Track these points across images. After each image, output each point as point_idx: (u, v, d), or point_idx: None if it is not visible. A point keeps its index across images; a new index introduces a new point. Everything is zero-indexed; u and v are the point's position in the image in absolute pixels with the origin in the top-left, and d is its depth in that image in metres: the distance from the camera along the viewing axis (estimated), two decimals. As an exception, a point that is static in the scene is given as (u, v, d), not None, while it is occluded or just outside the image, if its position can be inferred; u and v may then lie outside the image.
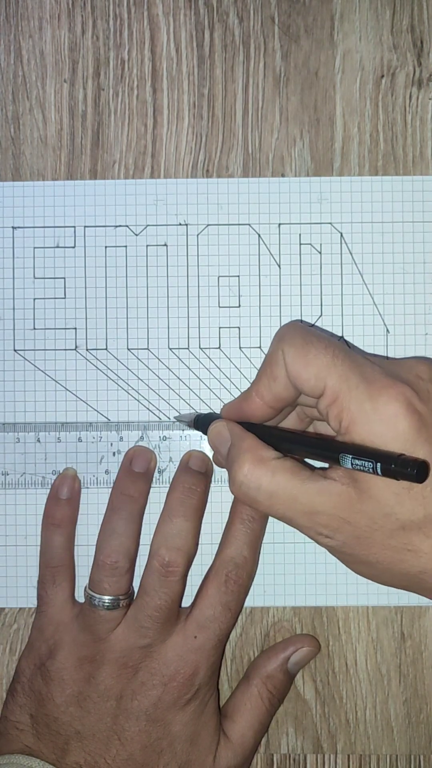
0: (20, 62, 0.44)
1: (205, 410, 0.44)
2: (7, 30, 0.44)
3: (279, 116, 0.44)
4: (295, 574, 0.43)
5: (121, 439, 0.43)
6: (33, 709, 0.40)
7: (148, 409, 0.43)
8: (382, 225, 0.43)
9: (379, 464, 0.32)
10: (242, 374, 0.44)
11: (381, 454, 0.33)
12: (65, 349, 0.44)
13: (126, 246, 0.44)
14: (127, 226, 0.44)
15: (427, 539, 0.34)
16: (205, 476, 0.42)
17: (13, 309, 0.44)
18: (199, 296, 0.44)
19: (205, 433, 0.41)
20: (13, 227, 0.44)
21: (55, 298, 0.44)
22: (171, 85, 0.44)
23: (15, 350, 0.44)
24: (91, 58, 0.44)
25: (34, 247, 0.44)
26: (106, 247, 0.44)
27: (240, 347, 0.44)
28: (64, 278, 0.44)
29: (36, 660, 0.41)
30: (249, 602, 0.43)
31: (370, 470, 0.33)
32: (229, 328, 0.44)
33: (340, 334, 0.43)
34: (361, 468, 0.33)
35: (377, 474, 0.33)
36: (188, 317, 0.44)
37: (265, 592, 0.43)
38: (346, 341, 0.43)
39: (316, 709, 0.44)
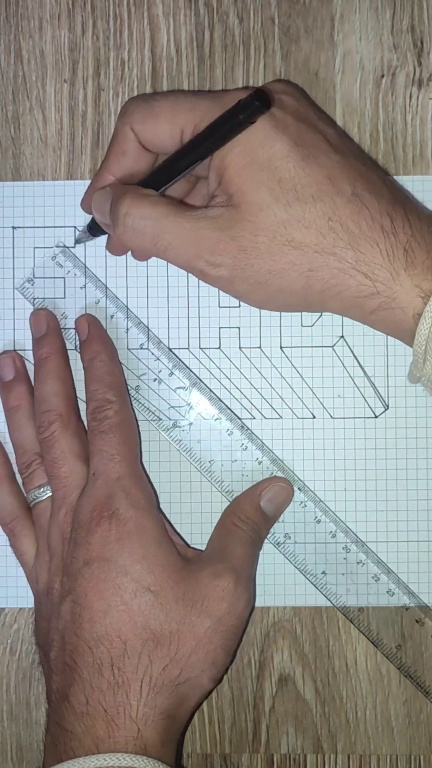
0: (20, 62, 0.44)
1: (205, 411, 0.44)
2: (7, 30, 0.44)
3: (279, 116, 0.44)
4: (295, 574, 0.43)
5: (137, 388, 0.43)
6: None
7: (148, 408, 0.43)
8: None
9: (233, 121, 0.35)
10: (242, 374, 0.44)
11: (229, 112, 0.35)
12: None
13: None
14: (127, 226, 0.44)
15: (307, 230, 0.36)
16: (48, 334, 0.43)
17: (13, 309, 0.44)
18: (199, 296, 0.44)
19: (103, 232, 0.41)
20: (13, 227, 0.44)
21: (55, 298, 0.44)
22: (171, 85, 0.44)
23: (15, 350, 0.44)
24: (91, 58, 0.44)
25: (34, 247, 0.44)
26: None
27: (240, 347, 0.44)
28: (64, 278, 0.44)
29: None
30: (249, 602, 0.43)
31: (234, 128, 0.35)
32: (229, 328, 0.44)
33: (340, 334, 0.44)
34: (223, 135, 0.36)
35: (241, 126, 0.35)
36: (188, 317, 0.44)
37: (265, 592, 0.43)
38: (344, 339, 0.43)
39: (316, 709, 0.44)
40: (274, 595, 0.43)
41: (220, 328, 0.44)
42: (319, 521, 0.43)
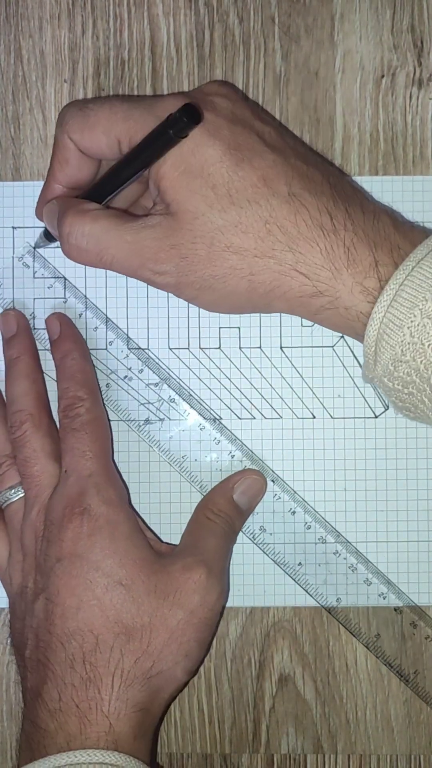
0: (20, 62, 0.44)
1: (205, 411, 0.44)
2: (7, 30, 0.44)
3: (279, 116, 0.44)
4: (294, 574, 0.43)
5: (108, 385, 0.43)
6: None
7: (147, 408, 0.43)
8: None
9: (164, 137, 0.35)
10: (242, 374, 0.44)
11: (160, 128, 0.35)
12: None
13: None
14: (127, 226, 0.44)
15: (245, 235, 0.36)
16: (17, 335, 0.43)
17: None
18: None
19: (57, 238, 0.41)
20: (13, 227, 0.44)
21: (55, 298, 0.44)
22: (171, 85, 0.44)
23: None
24: (91, 58, 0.44)
25: (35, 247, 0.44)
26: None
27: (240, 347, 0.44)
28: (64, 278, 0.44)
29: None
30: (249, 602, 0.43)
31: (166, 142, 0.35)
32: (229, 328, 0.44)
33: (340, 334, 0.43)
34: (157, 149, 0.36)
35: (173, 140, 0.35)
36: (188, 317, 0.44)
37: (265, 592, 0.43)
38: (344, 339, 0.43)
39: (316, 709, 0.44)
40: (274, 595, 0.43)
41: (220, 328, 0.44)
42: (294, 512, 0.43)
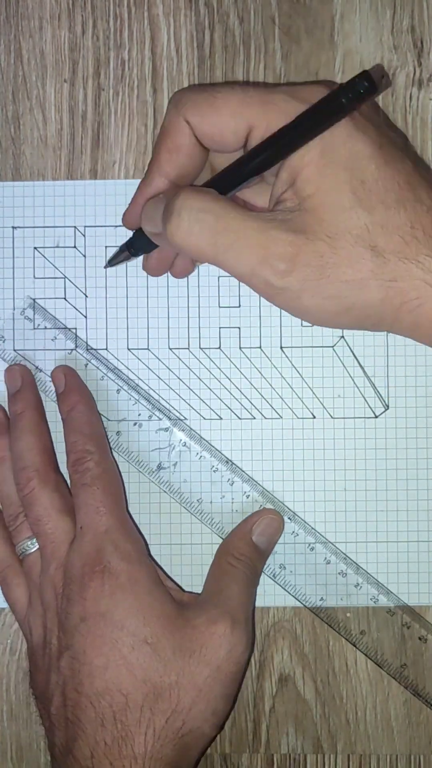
0: (20, 62, 0.44)
1: (206, 411, 0.44)
2: (7, 30, 0.44)
3: (279, 116, 0.44)
4: (294, 574, 0.43)
5: (119, 433, 0.43)
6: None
7: (147, 408, 0.43)
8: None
9: (333, 104, 0.31)
10: (242, 374, 0.44)
11: (328, 97, 0.32)
12: (65, 349, 0.44)
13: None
14: (127, 226, 0.44)
15: (390, 237, 0.33)
16: (22, 389, 0.42)
17: (13, 309, 0.44)
18: (199, 296, 0.44)
19: (146, 251, 0.39)
20: (13, 227, 0.44)
21: (55, 298, 0.44)
22: (171, 85, 0.44)
23: (15, 350, 0.44)
24: (92, 58, 0.44)
25: (34, 247, 0.44)
26: (106, 247, 0.44)
27: (240, 347, 0.44)
28: (65, 278, 0.44)
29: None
30: (249, 602, 0.43)
31: (335, 112, 0.32)
32: (229, 328, 0.44)
33: (340, 334, 0.44)
34: (328, 118, 0.32)
35: (343, 110, 0.32)
36: (188, 317, 0.44)
37: (265, 592, 0.43)
38: (344, 339, 0.43)
39: (316, 709, 0.44)
40: (274, 595, 0.43)
41: (220, 328, 0.44)
42: (312, 549, 0.43)
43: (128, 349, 0.44)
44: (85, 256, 0.44)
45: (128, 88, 0.44)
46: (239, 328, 0.44)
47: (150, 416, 0.43)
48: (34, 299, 0.44)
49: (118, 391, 0.43)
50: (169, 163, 0.36)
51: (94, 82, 0.44)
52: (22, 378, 0.43)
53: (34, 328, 0.44)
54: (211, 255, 0.33)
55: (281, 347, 0.44)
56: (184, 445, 0.43)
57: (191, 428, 0.43)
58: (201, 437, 0.43)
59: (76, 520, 0.40)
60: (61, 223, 0.44)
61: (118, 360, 0.44)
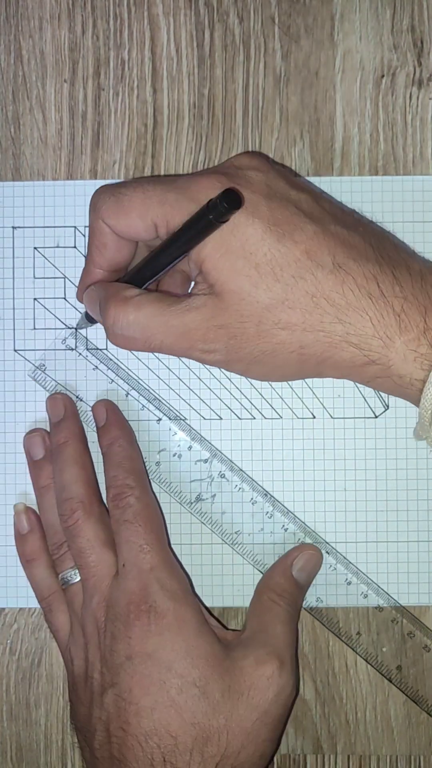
0: (20, 62, 0.44)
1: (206, 411, 0.44)
2: (7, 30, 0.44)
3: (279, 116, 0.44)
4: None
5: (158, 464, 0.43)
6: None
7: (147, 409, 0.43)
8: (382, 225, 0.43)
9: (204, 221, 0.35)
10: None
11: (200, 213, 0.35)
12: (65, 349, 0.44)
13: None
14: (127, 226, 0.44)
15: (292, 311, 0.35)
16: (65, 419, 0.42)
17: (13, 309, 0.44)
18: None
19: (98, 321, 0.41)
20: (13, 227, 0.44)
21: (55, 298, 0.44)
22: (171, 85, 0.44)
23: (15, 350, 0.44)
24: (91, 58, 0.44)
25: (34, 247, 0.44)
26: (76, 328, 0.44)
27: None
28: (64, 278, 0.44)
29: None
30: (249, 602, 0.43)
31: (206, 228, 0.35)
32: (229, 328, 0.44)
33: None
34: (198, 234, 0.35)
35: (213, 226, 0.34)
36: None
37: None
38: None
39: (316, 709, 0.44)
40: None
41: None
42: (350, 583, 0.43)
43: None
44: (85, 256, 0.44)
45: (128, 88, 0.44)
46: (239, 328, 0.44)
47: (190, 447, 0.43)
48: (75, 328, 0.44)
49: (158, 421, 0.43)
50: (101, 257, 0.39)
51: (94, 82, 0.44)
52: (65, 408, 0.43)
53: (75, 359, 0.44)
54: (149, 351, 0.37)
55: (281, 347, 0.44)
56: (223, 476, 0.43)
57: (231, 460, 0.43)
58: (241, 469, 0.43)
59: (119, 557, 0.40)
60: (61, 223, 0.44)
61: (118, 360, 0.44)
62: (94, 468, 0.42)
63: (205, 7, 0.44)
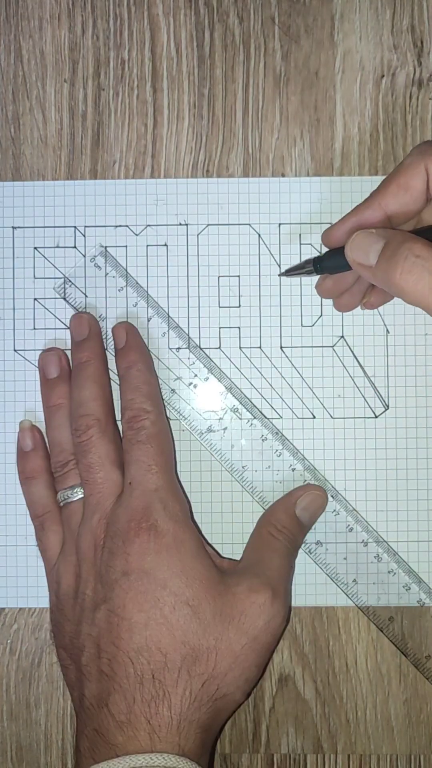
0: (20, 62, 0.44)
1: (206, 411, 0.44)
2: (7, 30, 0.44)
3: (279, 116, 0.44)
4: (295, 574, 0.43)
5: (173, 391, 0.43)
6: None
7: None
8: (382, 225, 0.43)
9: None
10: (242, 374, 0.44)
11: None
12: (65, 349, 0.44)
13: (126, 246, 0.44)
14: (127, 226, 0.44)
15: None
16: (89, 338, 0.42)
17: (13, 309, 0.44)
18: (199, 296, 0.44)
19: (331, 272, 0.39)
20: (13, 227, 0.44)
21: (55, 298, 0.44)
22: (171, 85, 0.44)
23: (15, 350, 0.44)
24: (91, 58, 0.44)
25: (34, 247, 0.44)
26: (106, 247, 0.44)
27: (240, 347, 0.44)
28: (64, 278, 0.44)
29: (55, 611, 0.41)
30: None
31: None
32: (229, 328, 0.44)
33: (340, 334, 0.44)
34: None
35: None
36: (188, 317, 0.44)
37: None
38: (344, 339, 0.43)
39: (316, 709, 0.44)
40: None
41: (220, 328, 0.44)
42: (351, 529, 0.43)
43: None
44: (85, 256, 0.44)
45: (128, 88, 0.44)
46: (239, 328, 0.44)
47: (207, 378, 0.43)
48: (105, 247, 0.43)
49: (177, 349, 0.43)
50: (395, 198, 0.37)
51: (94, 82, 0.44)
52: (90, 327, 0.43)
53: (104, 277, 0.44)
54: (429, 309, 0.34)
55: (281, 347, 0.44)
56: (236, 410, 0.43)
57: (245, 395, 0.43)
58: (253, 404, 0.43)
59: (126, 475, 0.40)
60: (61, 223, 0.44)
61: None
62: (112, 390, 0.42)
63: (205, 7, 0.44)
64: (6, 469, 0.44)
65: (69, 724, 0.44)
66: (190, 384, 0.43)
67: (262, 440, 0.43)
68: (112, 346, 0.43)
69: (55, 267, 0.44)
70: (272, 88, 0.44)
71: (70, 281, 0.43)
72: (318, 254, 0.42)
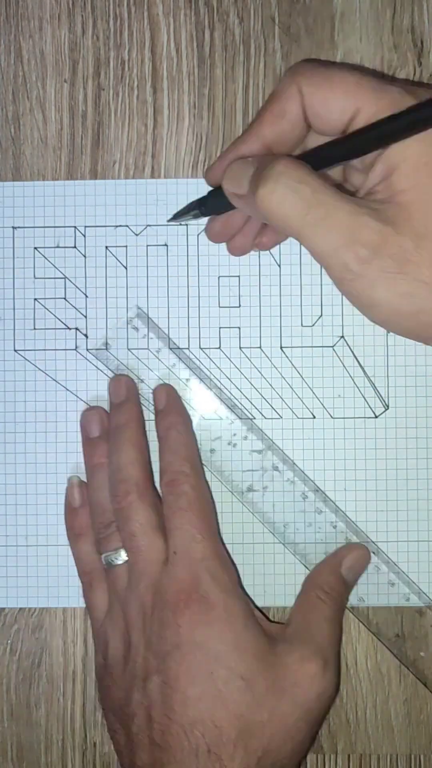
0: (20, 62, 0.44)
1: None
2: (7, 30, 0.44)
3: (279, 116, 0.44)
4: (295, 574, 0.43)
5: (212, 452, 0.43)
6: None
7: (147, 409, 0.43)
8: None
9: (424, 111, 0.31)
10: (242, 374, 0.44)
11: (420, 105, 0.31)
12: (65, 349, 0.44)
13: (126, 246, 0.44)
14: (127, 226, 0.44)
15: None
16: (127, 401, 0.42)
17: (13, 309, 0.44)
18: (199, 296, 0.44)
19: (217, 212, 0.38)
20: (13, 227, 0.44)
21: (55, 298, 0.44)
22: (171, 85, 0.44)
23: (15, 350, 0.44)
24: (92, 58, 0.44)
25: (34, 247, 0.44)
26: (106, 247, 0.44)
27: (240, 347, 0.44)
28: (65, 278, 0.44)
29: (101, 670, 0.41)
30: (249, 602, 0.43)
31: (424, 122, 0.31)
32: (229, 328, 0.44)
33: (340, 334, 0.44)
34: (415, 125, 0.31)
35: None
36: (188, 317, 0.44)
37: (265, 592, 0.43)
38: (344, 339, 0.43)
39: (317, 709, 0.44)
40: (274, 595, 0.43)
41: (220, 328, 0.44)
42: (378, 569, 0.43)
43: (128, 350, 0.44)
44: (85, 256, 0.44)
45: (128, 88, 0.44)
46: (239, 328, 0.44)
47: (245, 437, 0.43)
48: (140, 308, 0.43)
49: (216, 410, 0.43)
50: (271, 127, 0.35)
51: (94, 82, 0.44)
52: (128, 389, 0.43)
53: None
54: (296, 227, 0.32)
55: (281, 347, 0.44)
56: (276, 468, 0.43)
57: (285, 454, 0.43)
58: (294, 463, 0.43)
59: (170, 543, 0.39)
60: (61, 223, 0.44)
61: (118, 360, 0.44)
62: (150, 455, 0.42)
63: (205, 7, 0.44)
64: (5, 469, 0.44)
65: (69, 725, 0.44)
66: (230, 443, 0.43)
67: (303, 498, 0.43)
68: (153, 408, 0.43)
69: (55, 267, 0.44)
70: (272, 88, 0.44)
71: (107, 344, 0.43)
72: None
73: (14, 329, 0.44)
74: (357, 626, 0.43)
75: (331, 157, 0.34)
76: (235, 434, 0.43)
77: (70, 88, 0.44)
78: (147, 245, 0.44)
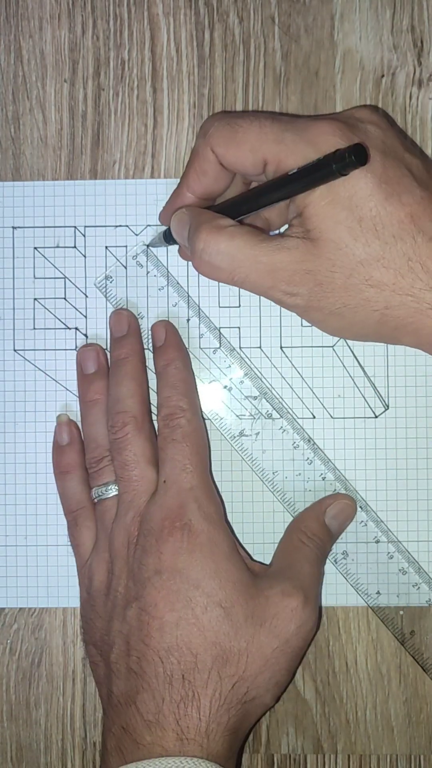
0: (20, 62, 0.44)
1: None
2: (7, 30, 0.44)
3: (279, 116, 0.44)
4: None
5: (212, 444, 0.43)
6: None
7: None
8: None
9: (325, 170, 0.34)
10: (242, 374, 0.44)
11: (323, 161, 0.35)
12: (65, 349, 0.44)
13: (126, 246, 0.44)
14: (127, 226, 0.44)
15: (386, 270, 0.35)
16: (128, 335, 0.43)
17: (13, 309, 0.44)
18: (199, 296, 0.44)
19: (175, 242, 0.41)
20: (13, 227, 0.44)
21: (55, 298, 0.44)
22: (171, 85, 0.44)
23: (15, 350, 0.44)
24: (92, 58, 0.44)
25: (34, 247, 0.44)
26: (106, 247, 0.44)
27: (240, 347, 0.44)
28: (65, 278, 0.44)
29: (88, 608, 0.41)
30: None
31: (325, 176, 0.34)
32: (229, 328, 0.44)
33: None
34: (314, 181, 0.35)
35: (333, 176, 0.34)
36: (188, 317, 0.44)
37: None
38: (345, 339, 0.43)
39: (316, 709, 0.44)
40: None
41: (220, 328, 0.44)
42: (378, 541, 0.43)
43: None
44: (85, 256, 0.44)
45: (128, 88, 0.44)
46: (239, 328, 0.44)
47: (241, 381, 0.43)
48: (147, 246, 0.44)
49: (214, 351, 0.43)
50: (197, 183, 0.39)
51: (94, 82, 0.44)
52: (129, 324, 0.43)
53: (145, 276, 0.44)
54: (230, 283, 0.38)
55: (281, 347, 0.44)
56: (270, 416, 0.43)
57: (281, 401, 0.43)
58: (288, 411, 0.43)
59: (161, 473, 0.40)
60: (61, 223, 0.44)
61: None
62: (149, 388, 0.42)
63: (205, 7, 0.44)
64: (5, 469, 0.44)
65: (69, 724, 0.44)
66: (226, 387, 0.43)
67: (294, 447, 0.43)
68: (151, 344, 0.43)
69: (55, 267, 0.44)
70: (272, 88, 0.44)
71: (110, 278, 0.43)
72: None
73: (14, 329, 0.44)
74: (357, 626, 0.43)
75: (247, 208, 0.38)
76: (231, 378, 0.43)
77: (70, 88, 0.44)
78: (147, 245, 0.44)
